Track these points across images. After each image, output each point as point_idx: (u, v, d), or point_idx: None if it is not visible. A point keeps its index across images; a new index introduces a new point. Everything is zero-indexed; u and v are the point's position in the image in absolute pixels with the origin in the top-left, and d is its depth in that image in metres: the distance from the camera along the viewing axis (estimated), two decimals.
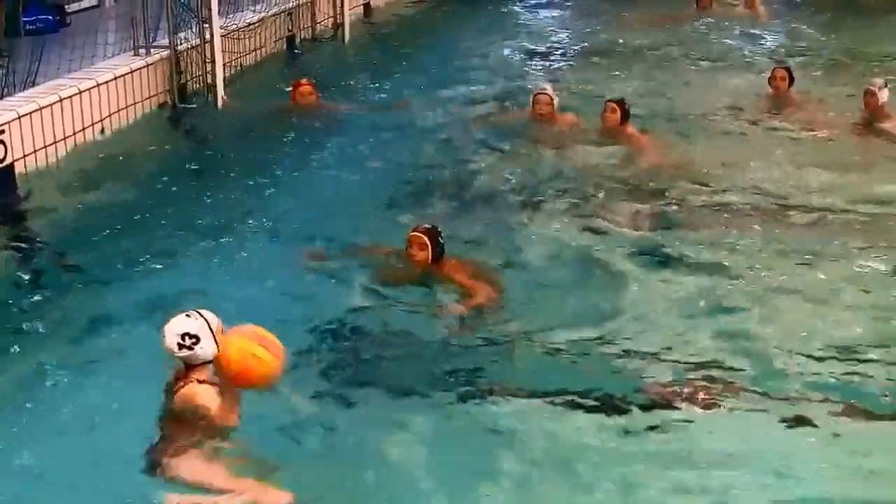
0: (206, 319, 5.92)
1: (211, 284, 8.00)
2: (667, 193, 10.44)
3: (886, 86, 12.59)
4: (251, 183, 10.52)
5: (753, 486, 5.96)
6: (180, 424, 5.85)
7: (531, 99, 12.68)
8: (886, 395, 6.82)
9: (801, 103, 13.48)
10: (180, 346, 5.84)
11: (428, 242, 8.20)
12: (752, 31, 18.71)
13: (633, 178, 10.89)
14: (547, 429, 6.46)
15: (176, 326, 5.86)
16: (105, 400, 6.51)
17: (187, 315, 5.93)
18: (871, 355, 7.33)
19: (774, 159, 11.46)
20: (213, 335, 5.90)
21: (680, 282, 8.48)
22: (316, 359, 7.15)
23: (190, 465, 5.68)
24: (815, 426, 6.52)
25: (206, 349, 5.87)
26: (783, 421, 6.56)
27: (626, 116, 12.10)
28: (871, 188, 10.54)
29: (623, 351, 7.41)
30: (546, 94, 12.54)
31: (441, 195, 10.41)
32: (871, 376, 7.07)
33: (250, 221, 9.53)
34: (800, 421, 6.56)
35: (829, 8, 20.30)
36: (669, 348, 7.43)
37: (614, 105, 12.09)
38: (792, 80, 13.59)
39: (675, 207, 10.13)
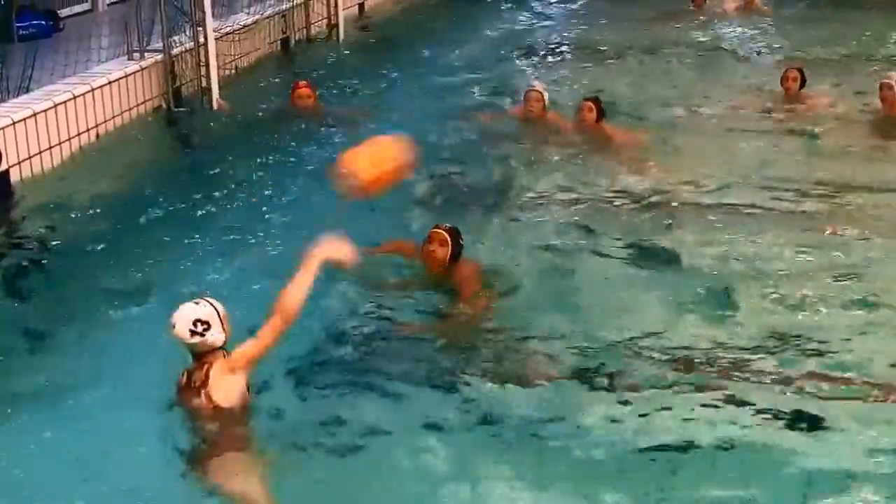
0: (214, 306, 5.97)
1: (208, 288, 7.85)
2: (649, 193, 10.44)
3: None
4: (248, 187, 10.48)
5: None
6: (212, 420, 5.91)
7: (523, 96, 12.70)
8: None
9: (812, 103, 13.36)
10: (192, 333, 5.87)
11: (449, 240, 8.13)
12: (753, 28, 18.66)
13: (612, 178, 10.88)
14: (545, 431, 6.46)
15: (187, 313, 5.89)
16: (102, 405, 6.49)
17: (196, 302, 5.97)
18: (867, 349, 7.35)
19: (779, 158, 11.46)
20: (222, 322, 5.94)
21: (666, 280, 8.51)
22: (319, 359, 7.14)
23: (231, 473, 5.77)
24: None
25: (216, 335, 5.91)
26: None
27: (601, 115, 12.09)
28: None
29: (618, 349, 7.41)
30: (537, 91, 12.53)
31: (435, 196, 10.39)
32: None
33: (248, 225, 9.48)
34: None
35: (828, 3, 20.27)
36: (663, 346, 7.44)
37: (590, 104, 12.11)
38: (804, 80, 13.48)
39: (659, 206, 10.14)
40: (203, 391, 5.89)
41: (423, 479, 5.96)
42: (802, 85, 13.48)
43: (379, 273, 8.39)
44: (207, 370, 5.90)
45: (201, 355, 5.94)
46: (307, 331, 7.45)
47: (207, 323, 5.88)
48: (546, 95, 12.57)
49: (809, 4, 20.47)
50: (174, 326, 5.89)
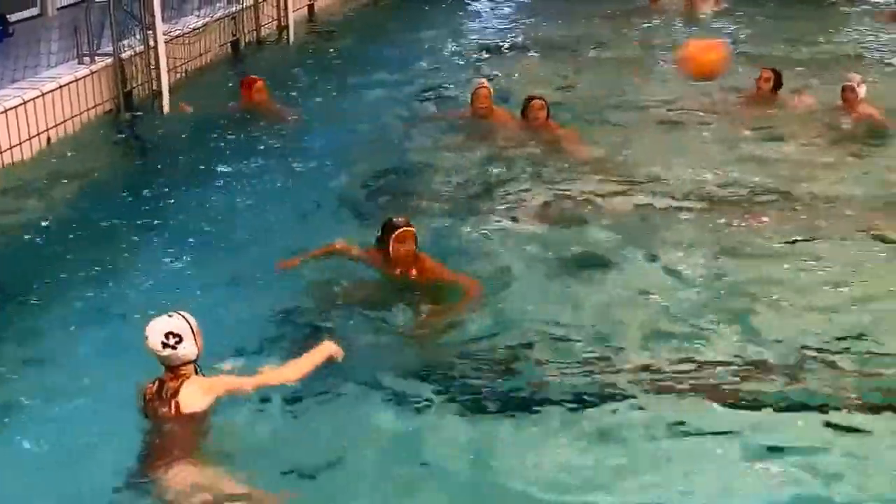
0: (187, 320, 6.01)
1: (161, 296, 7.85)
2: (606, 192, 10.57)
3: (864, 81, 12.71)
4: (201, 190, 10.49)
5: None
6: (177, 429, 5.94)
7: (471, 94, 12.69)
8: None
9: (782, 104, 13.35)
10: (164, 345, 5.92)
11: (414, 232, 8.10)
12: (712, 26, 18.81)
13: (566, 176, 11.00)
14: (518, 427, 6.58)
15: (160, 326, 5.95)
16: (62, 415, 6.52)
17: (169, 315, 6.02)
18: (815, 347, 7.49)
19: (736, 159, 11.55)
20: (195, 336, 5.99)
21: (613, 279, 8.63)
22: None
23: (189, 475, 5.77)
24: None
25: (188, 349, 5.96)
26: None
27: (548, 113, 12.19)
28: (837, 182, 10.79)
29: (573, 348, 7.53)
30: (484, 88, 12.60)
31: (385, 195, 10.46)
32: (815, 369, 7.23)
33: (202, 229, 9.48)
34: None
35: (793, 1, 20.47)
36: (612, 344, 7.58)
37: (542, 102, 12.16)
38: (779, 82, 13.43)
39: (616, 206, 10.27)
40: (174, 401, 5.93)
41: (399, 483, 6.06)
42: (777, 86, 13.45)
43: (339, 279, 8.35)
44: (182, 382, 5.95)
45: (174, 368, 5.99)
46: (266, 331, 7.58)
47: (179, 336, 5.92)
48: (491, 92, 12.63)
49: (775, 3, 20.58)
50: (147, 338, 5.94)
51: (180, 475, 5.74)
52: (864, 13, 20.14)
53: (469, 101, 12.66)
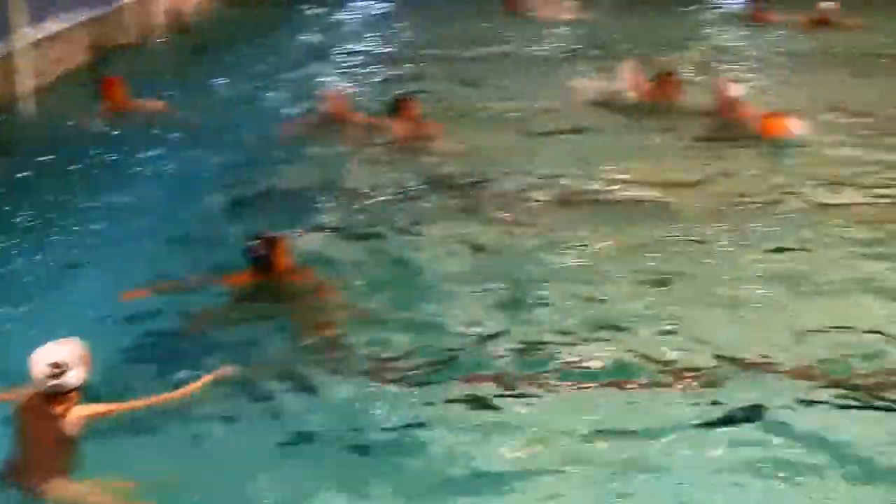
0: (74, 347, 5.90)
1: (20, 317, 7.76)
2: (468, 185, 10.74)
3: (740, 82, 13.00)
4: (64, 199, 10.29)
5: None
6: (52, 446, 5.87)
7: (323, 98, 12.81)
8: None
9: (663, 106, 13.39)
10: (49, 375, 5.79)
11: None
12: (567, 29, 19.06)
13: (440, 171, 11.12)
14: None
15: (44, 356, 5.82)
16: None
17: (55, 343, 5.89)
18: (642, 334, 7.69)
19: (617, 156, 11.70)
20: (81, 363, 5.88)
21: (508, 276, 8.65)
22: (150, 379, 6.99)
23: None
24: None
25: (73, 377, 5.84)
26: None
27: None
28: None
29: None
30: (336, 93, 12.72)
31: (251, 208, 10.33)
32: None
33: (63, 241, 9.33)
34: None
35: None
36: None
37: (415, 101, 12.27)
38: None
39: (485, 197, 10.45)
40: (60, 421, 5.84)
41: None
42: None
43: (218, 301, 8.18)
44: (65, 408, 5.85)
45: (61, 395, 5.86)
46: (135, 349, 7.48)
47: (66, 364, 5.81)
48: (348, 97, 12.71)
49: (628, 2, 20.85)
50: (31, 367, 5.81)
51: (51, 488, 5.74)
52: (729, 14, 20.57)
53: (323, 105, 12.72)
